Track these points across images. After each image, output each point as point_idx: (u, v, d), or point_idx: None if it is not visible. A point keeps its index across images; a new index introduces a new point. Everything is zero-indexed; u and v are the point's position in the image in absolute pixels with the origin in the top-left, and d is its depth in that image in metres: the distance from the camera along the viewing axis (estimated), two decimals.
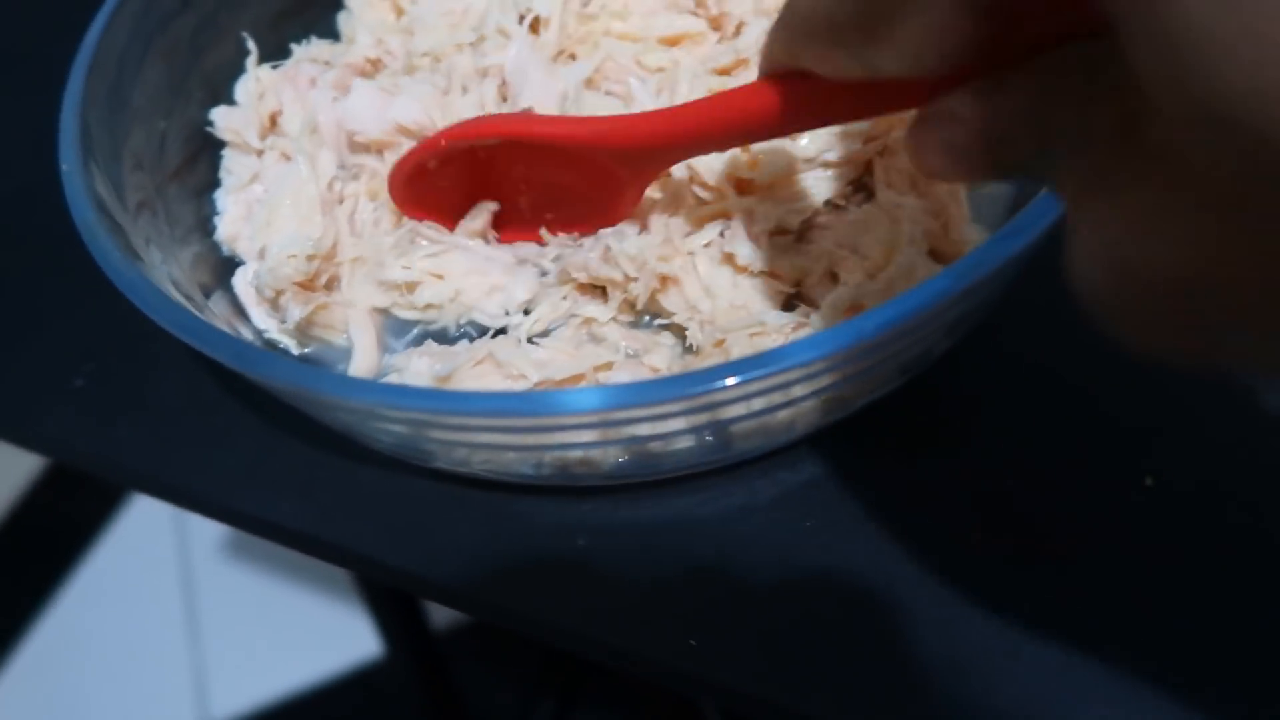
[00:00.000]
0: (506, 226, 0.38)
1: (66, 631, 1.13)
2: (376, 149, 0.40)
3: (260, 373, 0.27)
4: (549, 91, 0.39)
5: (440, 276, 0.37)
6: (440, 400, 0.27)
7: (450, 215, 0.38)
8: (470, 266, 0.37)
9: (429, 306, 0.37)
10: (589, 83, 0.40)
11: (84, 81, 0.35)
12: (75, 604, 1.15)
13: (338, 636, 1.05)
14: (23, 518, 1.21)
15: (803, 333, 0.31)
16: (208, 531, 1.16)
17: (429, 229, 0.38)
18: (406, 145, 0.39)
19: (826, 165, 0.36)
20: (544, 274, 0.37)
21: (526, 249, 0.38)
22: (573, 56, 0.41)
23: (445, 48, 0.41)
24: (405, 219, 0.38)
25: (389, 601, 1.00)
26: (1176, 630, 0.29)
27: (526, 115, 0.37)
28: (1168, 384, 0.33)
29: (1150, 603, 0.29)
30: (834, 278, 0.33)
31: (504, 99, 0.40)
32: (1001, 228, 0.26)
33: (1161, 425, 0.32)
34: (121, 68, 0.37)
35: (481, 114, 0.39)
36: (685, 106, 0.29)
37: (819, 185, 0.36)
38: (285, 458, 0.36)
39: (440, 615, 1.00)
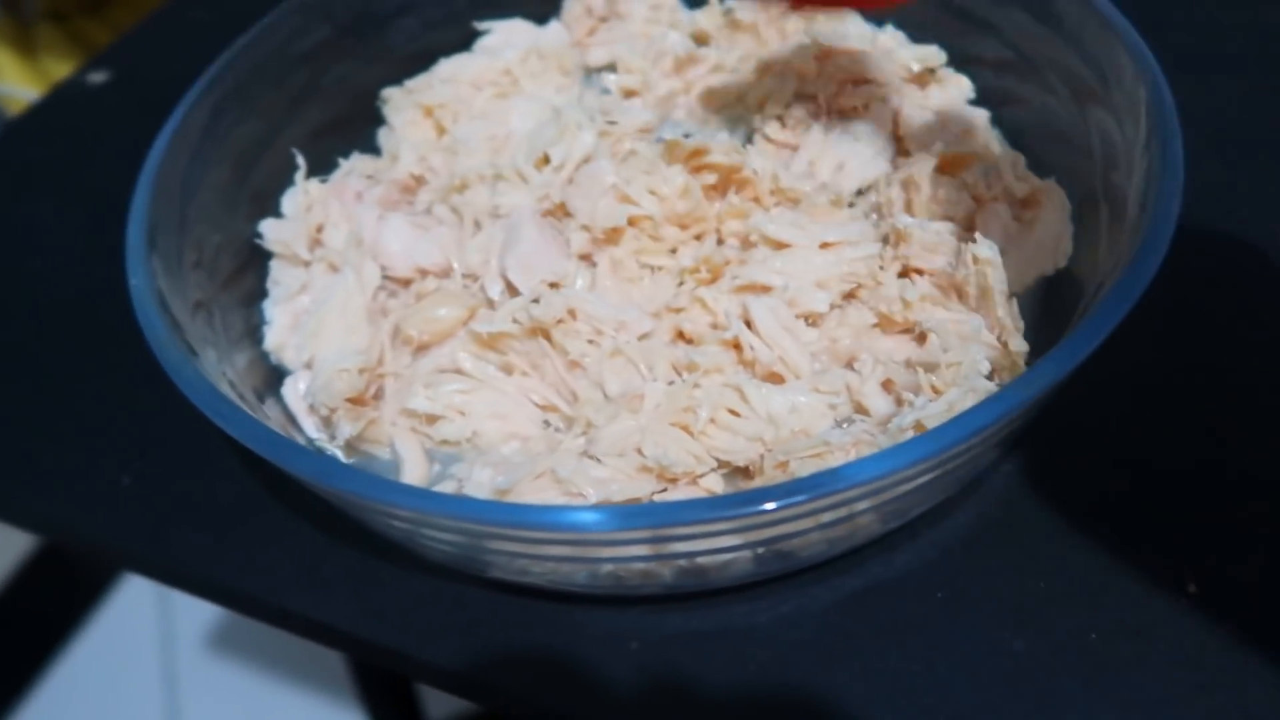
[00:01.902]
0: None
1: None
2: (403, 283, 0.41)
3: (320, 480, 0.27)
4: (542, 253, 0.40)
5: (463, 413, 0.36)
6: (502, 513, 0.26)
7: None
8: (494, 410, 0.36)
9: (444, 442, 0.36)
10: None
11: (150, 192, 0.36)
12: (54, 698, 1.11)
13: None
14: (2, 609, 1.19)
15: (865, 450, 0.31)
16: (192, 624, 1.13)
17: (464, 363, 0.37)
18: (431, 280, 0.41)
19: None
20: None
21: (556, 398, 0.37)
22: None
23: (472, 177, 0.42)
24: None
25: (384, 694, 0.98)
26: None
27: None
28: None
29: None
30: (888, 386, 0.34)
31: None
32: (1056, 346, 0.27)
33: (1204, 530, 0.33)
34: (184, 181, 0.38)
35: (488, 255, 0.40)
36: None
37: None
38: (337, 560, 0.36)
39: (437, 708, 0.98)
